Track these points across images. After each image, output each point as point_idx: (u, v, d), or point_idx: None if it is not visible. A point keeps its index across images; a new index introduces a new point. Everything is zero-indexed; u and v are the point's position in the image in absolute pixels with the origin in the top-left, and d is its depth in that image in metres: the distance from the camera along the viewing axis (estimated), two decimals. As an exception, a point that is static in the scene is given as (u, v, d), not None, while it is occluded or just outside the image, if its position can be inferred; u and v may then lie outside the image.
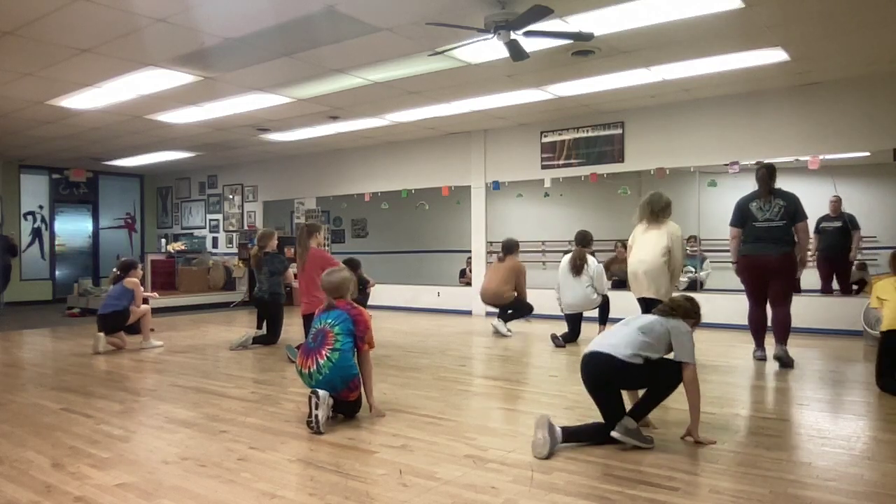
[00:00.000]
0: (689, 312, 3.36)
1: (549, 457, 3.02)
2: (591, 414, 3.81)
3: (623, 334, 3.26)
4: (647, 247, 5.36)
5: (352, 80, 6.86)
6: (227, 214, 13.35)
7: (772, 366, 5.47)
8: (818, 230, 8.12)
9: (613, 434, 3.16)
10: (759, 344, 5.66)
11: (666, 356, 3.27)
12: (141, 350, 6.61)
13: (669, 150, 8.21)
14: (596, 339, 3.39)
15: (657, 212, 5.37)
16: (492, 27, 4.80)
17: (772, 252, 5.40)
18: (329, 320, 3.76)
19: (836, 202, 8.01)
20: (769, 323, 5.58)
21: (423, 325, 8.63)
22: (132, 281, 6.72)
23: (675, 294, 3.45)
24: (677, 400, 4.25)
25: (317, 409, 3.49)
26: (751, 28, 5.39)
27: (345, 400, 3.71)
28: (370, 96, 7.53)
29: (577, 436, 3.22)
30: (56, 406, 4.26)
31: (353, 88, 7.16)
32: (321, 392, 3.54)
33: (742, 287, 5.83)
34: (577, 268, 6.61)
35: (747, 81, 7.10)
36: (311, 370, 3.64)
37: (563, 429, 3.16)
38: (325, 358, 3.63)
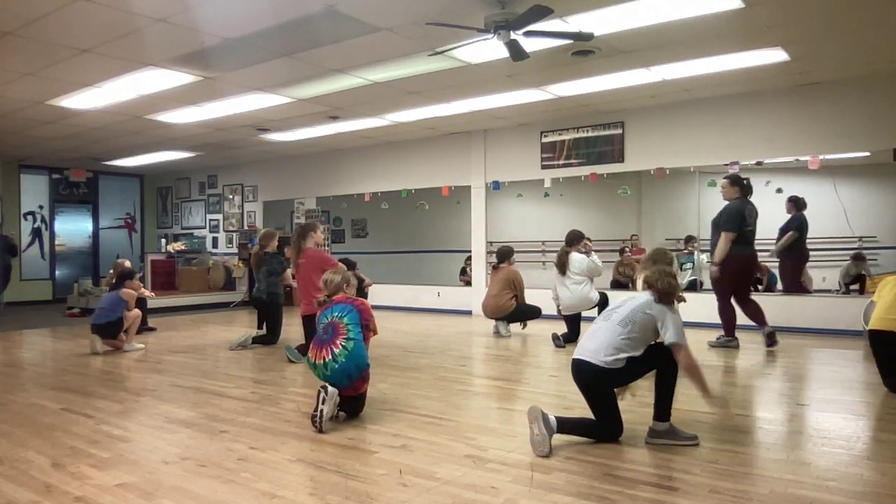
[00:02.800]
0: (669, 292, 3.26)
1: (549, 453, 3.04)
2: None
3: (602, 335, 3.23)
4: None
5: (352, 80, 6.86)
6: (227, 214, 13.34)
7: (771, 366, 5.51)
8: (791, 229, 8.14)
9: (648, 441, 3.20)
10: (734, 333, 6.37)
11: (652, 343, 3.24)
12: (124, 352, 6.52)
13: (669, 150, 8.21)
14: (581, 341, 3.39)
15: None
16: (492, 27, 4.80)
17: (754, 251, 6.35)
18: (336, 313, 3.83)
19: (790, 202, 8.04)
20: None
21: (423, 325, 8.63)
22: (129, 293, 6.59)
23: (652, 270, 3.35)
24: (677, 399, 4.26)
25: (323, 403, 3.52)
26: (751, 28, 5.39)
27: (354, 393, 3.75)
28: (370, 96, 7.53)
29: (572, 427, 3.23)
30: (56, 406, 4.27)
31: (353, 88, 7.15)
32: (331, 388, 3.58)
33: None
34: (560, 266, 6.69)
35: (747, 81, 7.10)
36: (326, 360, 3.67)
37: (558, 418, 3.15)
38: (340, 347, 3.68)
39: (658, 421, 3.24)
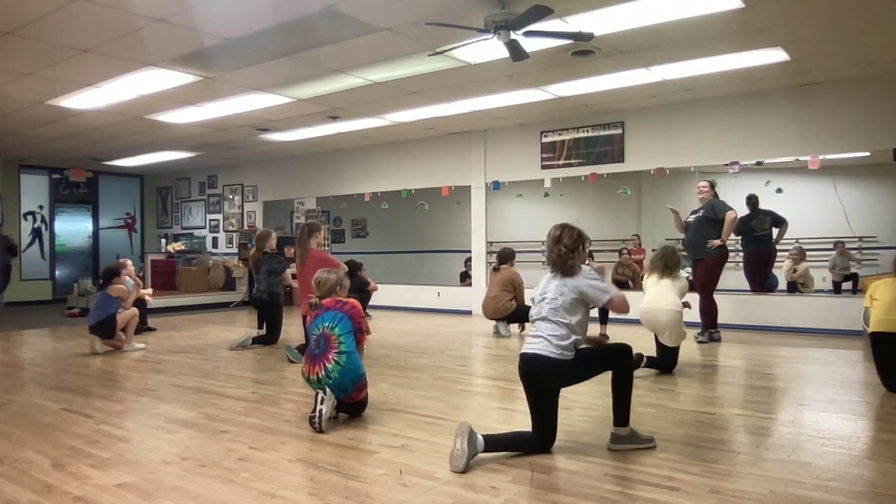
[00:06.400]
0: (573, 250, 3.17)
1: (465, 470, 2.87)
2: (591, 414, 3.82)
3: (546, 328, 3.14)
4: (664, 296, 5.14)
5: (352, 80, 6.86)
6: (227, 214, 13.34)
7: (771, 366, 5.52)
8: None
9: (611, 447, 3.15)
10: (716, 325, 6.67)
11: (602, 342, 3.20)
12: (124, 352, 6.51)
13: (669, 150, 8.21)
14: (528, 337, 3.27)
15: (671, 267, 5.21)
16: (492, 27, 4.80)
17: (728, 250, 6.82)
18: (327, 323, 3.76)
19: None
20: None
21: (423, 325, 8.63)
22: (116, 288, 6.56)
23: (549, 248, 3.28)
24: (675, 400, 4.27)
25: (321, 403, 3.51)
26: (751, 28, 5.39)
27: (353, 400, 3.73)
28: (370, 96, 7.53)
29: (501, 444, 3.08)
30: (56, 406, 4.26)
31: (353, 88, 7.15)
32: (328, 390, 3.57)
33: (737, 286, 6.80)
34: None
35: (747, 81, 7.10)
36: (320, 375, 3.65)
37: (486, 437, 3.00)
38: (332, 362, 3.64)
39: (618, 426, 3.17)
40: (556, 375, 3.10)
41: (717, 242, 6.47)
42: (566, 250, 3.17)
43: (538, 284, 3.33)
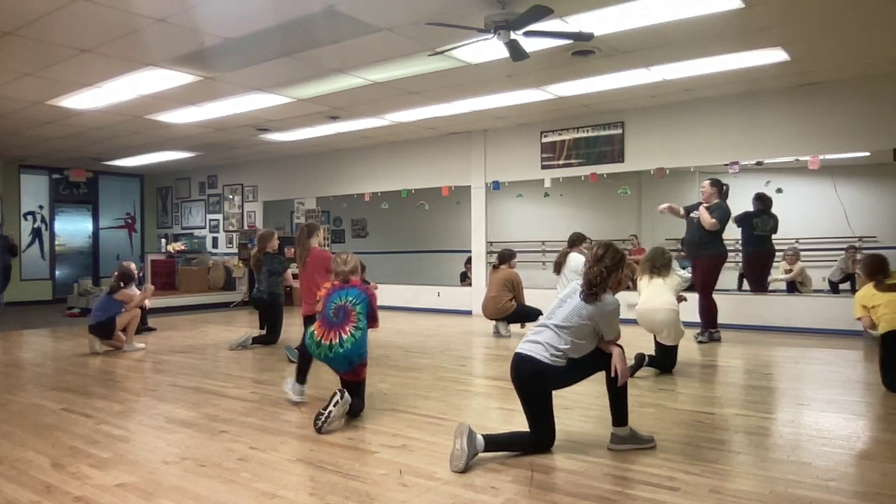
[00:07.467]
0: (612, 272, 3.16)
1: (465, 470, 2.87)
2: (591, 414, 3.82)
3: (546, 334, 3.16)
4: (659, 296, 5.12)
5: (352, 80, 6.86)
6: (227, 214, 13.34)
7: (771, 366, 5.53)
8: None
9: (611, 447, 3.15)
10: (716, 324, 6.64)
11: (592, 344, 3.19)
12: (124, 352, 6.51)
13: (669, 150, 8.20)
14: (525, 337, 3.29)
15: (659, 267, 5.21)
16: (492, 27, 4.80)
17: (727, 251, 6.80)
18: (350, 298, 3.85)
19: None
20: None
21: (423, 325, 8.63)
22: (123, 293, 6.62)
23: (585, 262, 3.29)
24: (675, 400, 4.27)
25: (335, 405, 3.52)
26: (751, 28, 5.39)
27: (356, 378, 3.81)
28: (370, 96, 7.53)
29: (501, 444, 3.10)
30: (56, 406, 4.26)
31: (353, 88, 7.15)
32: (347, 394, 3.59)
33: (732, 287, 6.78)
34: (557, 266, 6.80)
35: (747, 81, 7.10)
36: (333, 342, 3.70)
37: (486, 437, 3.01)
38: (349, 334, 3.72)
39: (618, 426, 3.18)
40: (546, 378, 3.13)
41: (663, 207, 6.87)
42: (606, 271, 3.14)
43: (567, 286, 3.35)
